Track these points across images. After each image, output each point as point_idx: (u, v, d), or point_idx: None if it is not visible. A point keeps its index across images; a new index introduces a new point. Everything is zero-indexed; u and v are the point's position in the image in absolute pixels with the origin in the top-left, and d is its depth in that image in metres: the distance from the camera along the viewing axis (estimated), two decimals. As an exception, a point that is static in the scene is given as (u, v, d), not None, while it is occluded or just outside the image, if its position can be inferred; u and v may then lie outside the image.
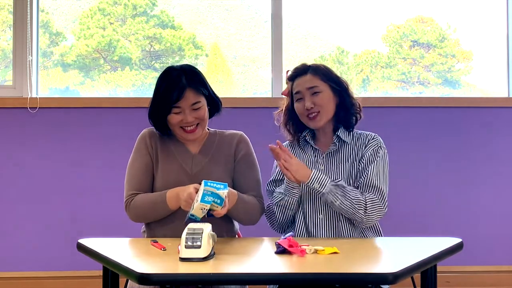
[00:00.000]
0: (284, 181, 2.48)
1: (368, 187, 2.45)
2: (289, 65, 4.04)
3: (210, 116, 2.59)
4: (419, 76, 4.27)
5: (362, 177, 2.47)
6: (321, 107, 2.51)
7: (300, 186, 2.47)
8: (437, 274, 2.17)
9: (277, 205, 2.51)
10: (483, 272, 3.94)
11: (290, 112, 2.62)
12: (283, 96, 2.65)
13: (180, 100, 2.42)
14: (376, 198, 2.43)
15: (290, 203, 2.48)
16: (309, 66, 2.58)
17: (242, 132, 2.64)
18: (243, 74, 4.30)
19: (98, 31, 4.19)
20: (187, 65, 2.54)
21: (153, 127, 2.58)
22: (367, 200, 2.40)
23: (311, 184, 2.39)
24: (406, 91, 4.23)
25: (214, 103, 2.56)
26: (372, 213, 2.41)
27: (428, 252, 2.06)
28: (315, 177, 2.39)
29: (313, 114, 2.51)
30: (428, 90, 4.24)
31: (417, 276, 2.14)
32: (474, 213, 3.98)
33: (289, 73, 2.62)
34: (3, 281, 3.83)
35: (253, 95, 4.20)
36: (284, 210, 2.51)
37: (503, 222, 3.99)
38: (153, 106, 2.50)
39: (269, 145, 2.40)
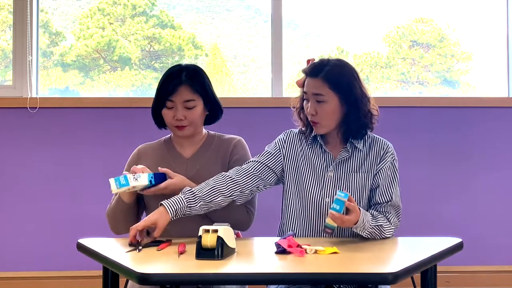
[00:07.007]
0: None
1: (392, 209, 2.42)
2: (289, 65, 4.05)
3: (209, 122, 2.56)
4: (419, 76, 4.27)
5: (385, 197, 2.40)
6: (321, 119, 2.36)
7: None
8: (437, 274, 2.17)
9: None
10: (483, 272, 3.94)
11: (303, 103, 2.45)
12: (297, 86, 2.48)
13: (173, 94, 2.42)
14: (398, 221, 2.42)
15: None
16: (324, 68, 2.36)
17: (241, 137, 2.58)
18: (243, 74, 4.29)
19: (97, 31, 4.19)
20: (192, 65, 2.53)
21: (147, 143, 2.62)
22: (393, 227, 2.39)
23: (354, 229, 2.28)
24: (406, 91, 4.23)
25: (214, 109, 2.53)
26: (393, 233, 2.41)
27: (428, 252, 2.06)
28: (360, 224, 2.25)
29: (314, 121, 2.37)
30: (428, 90, 4.24)
31: (417, 276, 2.14)
32: (474, 213, 3.98)
33: (307, 67, 2.43)
34: (3, 281, 3.83)
35: (253, 95, 4.20)
36: None
37: (503, 222, 3.99)
38: (154, 100, 2.52)
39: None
